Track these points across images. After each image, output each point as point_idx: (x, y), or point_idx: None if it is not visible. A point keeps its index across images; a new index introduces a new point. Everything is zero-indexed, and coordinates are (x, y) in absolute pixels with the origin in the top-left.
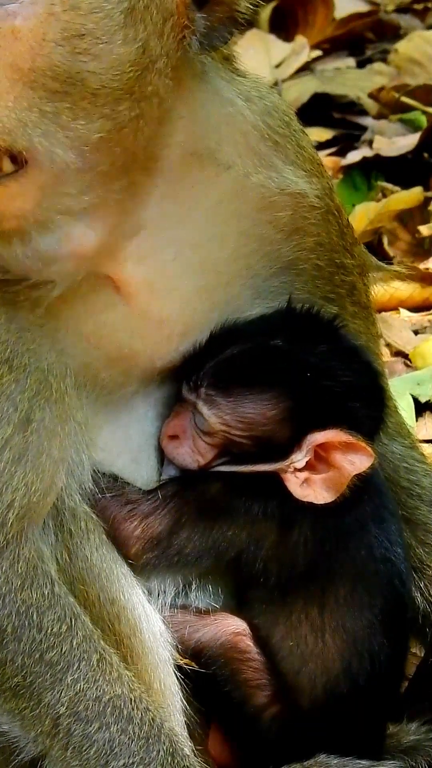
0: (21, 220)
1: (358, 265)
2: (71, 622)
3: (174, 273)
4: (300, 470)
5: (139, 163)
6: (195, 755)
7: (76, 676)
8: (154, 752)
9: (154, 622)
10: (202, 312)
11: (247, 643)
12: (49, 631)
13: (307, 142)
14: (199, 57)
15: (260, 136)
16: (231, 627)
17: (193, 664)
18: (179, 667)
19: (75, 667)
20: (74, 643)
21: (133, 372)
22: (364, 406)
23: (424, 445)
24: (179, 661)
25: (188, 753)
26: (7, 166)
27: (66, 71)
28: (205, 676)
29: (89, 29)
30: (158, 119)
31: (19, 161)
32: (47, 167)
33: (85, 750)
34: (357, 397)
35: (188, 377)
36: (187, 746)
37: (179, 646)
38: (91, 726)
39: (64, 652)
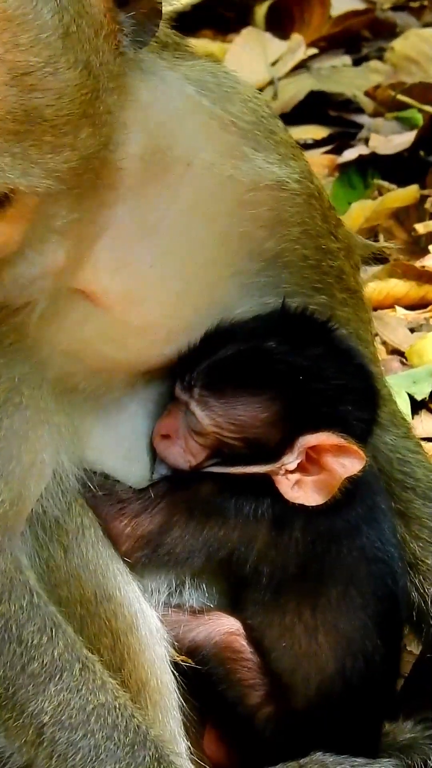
0: (9, 251)
1: (344, 247)
2: (51, 632)
3: (152, 281)
4: (291, 472)
5: (103, 179)
6: (191, 753)
7: (59, 686)
8: (140, 758)
9: (151, 619)
10: (185, 316)
11: (241, 642)
12: (29, 643)
13: (278, 125)
14: (136, 56)
15: (221, 125)
16: (225, 626)
17: (189, 660)
18: (176, 664)
19: (57, 678)
20: (55, 654)
21: (117, 378)
22: (356, 409)
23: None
24: (176, 657)
25: (174, 759)
26: None
27: (23, 110)
28: (201, 674)
29: (34, 63)
30: (113, 133)
31: (1, 200)
32: (31, 198)
33: (70, 757)
34: (349, 400)
35: (182, 376)
36: (173, 751)
37: (175, 644)
38: (75, 734)
39: (46, 664)
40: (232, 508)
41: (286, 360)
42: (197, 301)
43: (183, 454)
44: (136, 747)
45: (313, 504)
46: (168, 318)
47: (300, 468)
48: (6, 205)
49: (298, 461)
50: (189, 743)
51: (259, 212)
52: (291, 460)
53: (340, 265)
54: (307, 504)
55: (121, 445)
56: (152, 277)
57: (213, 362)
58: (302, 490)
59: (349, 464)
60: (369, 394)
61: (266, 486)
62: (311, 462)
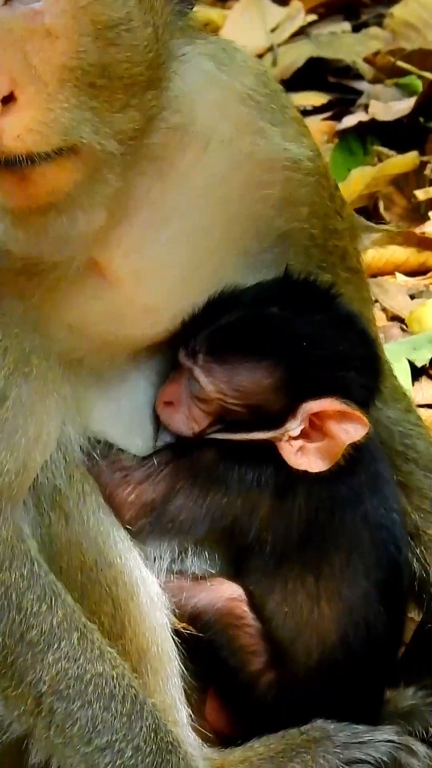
0: (71, 193)
1: (349, 228)
2: (51, 601)
3: (162, 263)
4: (295, 438)
5: (146, 150)
6: (192, 720)
7: (57, 655)
8: (137, 729)
9: (152, 586)
10: (192, 296)
11: (244, 609)
12: (28, 611)
13: (288, 100)
14: (184, 23)
15: (239, 99)
16: (227, 593)
17: (190, 628)
18: (177, 632)
19: (56, 647)
20: (54, 623)
21: (120, 353)
22: (359, 375)
23: (421, 410)
24: (177, 625)
25: (172, 729)
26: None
27: (101, 65)
28: (202, 641)
29: (114, 18)
30: (167, 101)
31: (65, 152)
32: (94, 157)
33: (68, 728)
34: (352, 366)
35: (185, 343)
36: (172, 720)
37: (176, 611)
38: (73, 704)
39: (44, 632)
40: (235, 475)
41: (288, 326)
42: (204, 282)
43: (186, 420)
44: (133, 718)
45: (317, 470)
46: (174, 299)
47: (303, 434)
48: (70, 155)
49: (302, 427)
50: (190, 710)
51: (271, 192)
52: (294, 427)
53: (344, 245)
54: (310, 470)
55: (123, 415)
56: (163, 259)
57: (216, 329)
58: (306, 457)
59: (352, 430)
60: (371, 360)
61: (269, 453)
62: (314, 428)
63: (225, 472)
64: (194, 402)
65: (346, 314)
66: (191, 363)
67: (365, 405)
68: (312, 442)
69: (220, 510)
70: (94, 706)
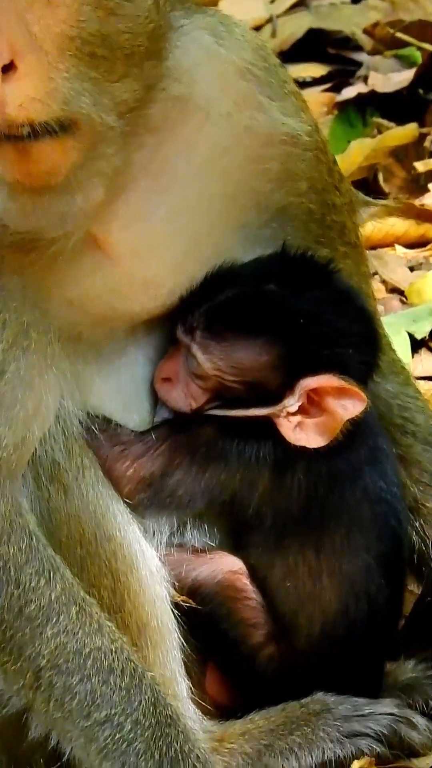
0: (69, 174)
1: (347, 202)
2: (49, 575)
3: (162, 237)
4: (293, 414)
5: (144, 123)
6: (192, 693)
7: (55, 629)
8: (136, 702)
9: (151, 559)
10: (191, 270)
11: (244, 581)
12: (27, 585)
13: (287, 75)
14: None
15: (238, 73)
16: (228, 565)
17: (190, 600)
18: (176, 605)
19: (54, 621)
20: (53, 597)
21: (119, 327)
22: (357, 352)
23: (420, 383)
24: (176, 598)
25: (171, 702)
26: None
27: (104, 34)
28: (203, 614)
29: None
30: (165, 72)
31: (64, 127)
32: (93, 131)
33: (67, 702)
34: (350, 342)
35: (183, 319)
36: (171, 694)
37: (176, 584)
38: (72, 678)
39: (43, 606)
40: (233, 451)
41: (286, 303)
42: (203, 256)
43: (184, 397)
44: (132, 691)
45: (315, 446)
46: (173, 273)
47: (301, 410)
48: (68, 131)
49: (299, 404)
50: (190, 683)
51: (270, 166)
52: (292, 403)
53: (343, 220)
54: (308, 446)
55: (122, 390)
56: (162, 233)
57: (213, 306)
58: (304, 432)
59: (350, 406)
60: (370, 336)
61: (268, 429)
62: (313, 404)
63: (223, 448)
64: (192, 378)
65: (344, 290)
66: (189, 340)
67: (363, 381)
68: (310, 418)
69: (219, 485)
70: (93, 680)
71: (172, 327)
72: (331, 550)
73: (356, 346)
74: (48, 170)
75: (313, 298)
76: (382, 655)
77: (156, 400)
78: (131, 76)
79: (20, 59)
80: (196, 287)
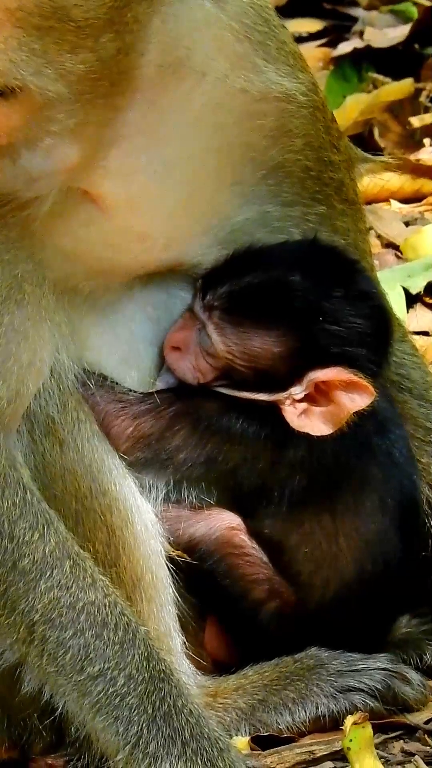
0: (11, 138)
1: (345, 159)
2: (43, 529)
3: (156, 189)
4: (299, 401)
5: (118, 86)
6: (186, 648)
7: (49, 583)
8: (129, 657)
9: (146, 513)
10: (186, 225)
11: (242, 537)
12: (20, 539)
13: (288, 36)
14: None
15: (235, 38)
16: (225, 522)
17: (185, 556)
18: (172, 560)
19: (48, 575)
20: (47, 551)
21: (115, 280)
22: (370, 353)
23: (416, 337)
24: (172, 553)
25: (164, 657)
26: None
27: (51, 6)
28: (199, 569)
29: None
30: (136, 41)
31: (4, 93)
32: (37, 98)
33: (60, 656)
34: (364, 343)
35: (204, 294)
36: (165, 648)
37: (173, 540)
38: (65, 632)
39: (37, 560)
40: (237, 428)
41: (307, 299)
42: (198, 210)
43: (192, 370)
44: (125, 646)
45: (319, 434)
46: (168, 226)
47: (308, 398)
48: (10, 97)
49: (306, 392)
50: (184, 638)
51: (264, 122)
52: (299, 391)
53: (340, 177)
54: (312, 433)
55: (119, 347)
56: (156, 186)
57: (235, 289)
58: (309, 420)
59: (358, 399)
60: (384, 338)
61: (272, 411)
62: (320, 394)
63: (226, 425)
64: (203, 354)
65: (366, 289)
66: (206, 317)
67: (372, 377)
68: (317, 406)
69: (220, 456)
70: (87, 635)
71: (192, 298)
72: (345, 513)
73: (370, 347)
74: None
75: (334, 297)
76: (392, 613)
77: (158, 362)
78: (84, 47)
79: None
80: (220, 263)
